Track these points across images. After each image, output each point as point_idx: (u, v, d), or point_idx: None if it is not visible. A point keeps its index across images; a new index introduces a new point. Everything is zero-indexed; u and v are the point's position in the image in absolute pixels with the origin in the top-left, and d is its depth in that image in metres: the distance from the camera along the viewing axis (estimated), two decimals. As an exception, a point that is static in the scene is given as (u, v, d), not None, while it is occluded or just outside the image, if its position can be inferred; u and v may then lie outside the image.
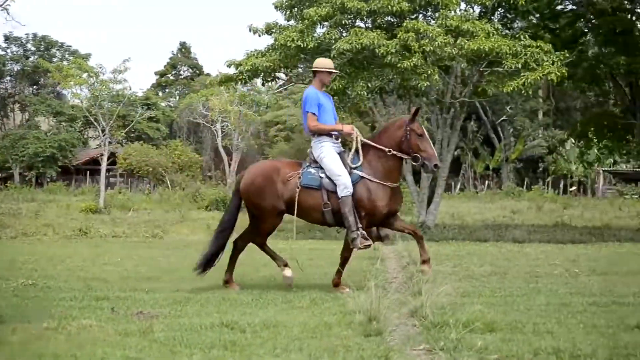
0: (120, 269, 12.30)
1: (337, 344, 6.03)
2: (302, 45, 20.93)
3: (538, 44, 20.42)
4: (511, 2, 22.30)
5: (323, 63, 10.10)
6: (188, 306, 8.11)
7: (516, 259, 14.01)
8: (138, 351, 5.93)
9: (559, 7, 26.88)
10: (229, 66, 23.21)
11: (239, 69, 22.63)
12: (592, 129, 28.13)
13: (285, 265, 9.88)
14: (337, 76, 21.44)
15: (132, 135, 59.60)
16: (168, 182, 45.43)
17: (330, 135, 9.71)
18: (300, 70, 27.41)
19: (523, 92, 20.42)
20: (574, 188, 57.68)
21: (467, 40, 19.83)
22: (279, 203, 9.63)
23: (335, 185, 9.43)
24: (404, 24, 20.31)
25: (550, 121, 56.34)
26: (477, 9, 23.06)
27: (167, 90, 79.69)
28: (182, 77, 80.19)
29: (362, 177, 9.48)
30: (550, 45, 20.95)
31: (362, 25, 21.89)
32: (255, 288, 9.59)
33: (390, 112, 42.35)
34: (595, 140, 29.46)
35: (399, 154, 9.64)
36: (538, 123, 58.00)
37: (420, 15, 22.38)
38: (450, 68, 22.16)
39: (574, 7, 26.86)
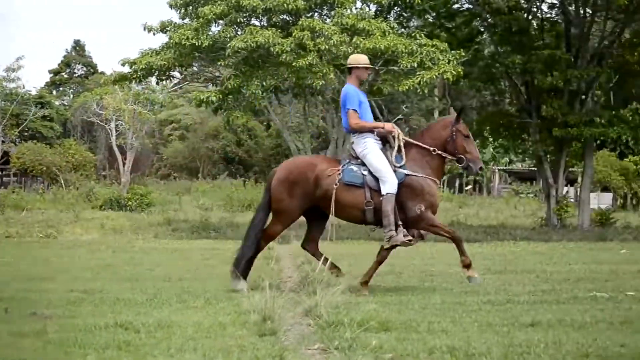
0: (14, 269, 12.07)
1: (231, 344, 5.99)
2: (196, 44, 20.87)
3: (434, 43, 20.80)
4: (407, 1, 22.72)
5: (359, 59, 10.03)
6: (82, 307, 7.97)
7: (412, 257, 14.19)
8: (32, 352, 5.81)
9: (455, 6, 27.42)
10: (123, 65, 23.01)
11: (133, 67, 22.44)
12: (487, 127, 28.70)
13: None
14: (231, 75, 21.41)
15: (26, 134, 58.12)
16: (62, 182, 44.48)
17: (372, 133, 9.66)
18: (195, 68, 27.27)
19: (419, 91, 20.78)
20: (469, 187, 58.94)
21: (363, 38, 20.05)
22: (307, 203, 9.57)
23: (378, 182, 9.38)
24: (300, 23, 20.42)
25: (446, 120, 57.45)
26: (373, 8, 23.36)
27: (61, 88, 78.24)
28: (76, 75, 78.93)
29: (407, 175, 9.44)
30: (446, 44, 21.38)
31: (257, 23, 21.93)
32: (149, 288, 9.47)
33: (286, 111, 42.50)
34: (491, 139, 30.13)
35: (444, 154, 9.70)
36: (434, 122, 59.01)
37: (316, 14, 22.54)
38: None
39: (470, 6, 27.45)
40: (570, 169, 31.68)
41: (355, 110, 9.61)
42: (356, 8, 22.41)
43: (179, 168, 56.85)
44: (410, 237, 9.37)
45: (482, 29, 28.29)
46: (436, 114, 58.62)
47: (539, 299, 8.60)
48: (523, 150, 29.81)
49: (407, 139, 9.72)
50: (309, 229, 10.00)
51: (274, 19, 21.75)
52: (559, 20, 28.62)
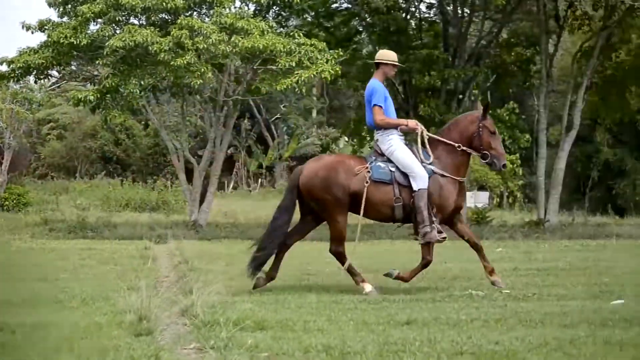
0: None
1: (107, 344, 5.98)
2: (75, 42, 20.59)
3: (312, 42, 21.04)
4: (286, 0, 22.87)
5: (389, 55, 10.00)
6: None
7: (288, 257, 14.35)
8: None
9: (334, 5, 27.80)
10: (0, 64, 22.48)
11: (11, 66, 22.00)
12: (365, 127, 29.20)
13: (363, 281, 9.60)
14: (109, 73, 21.20)
15: None
16: (-63, 181, 42.86)
17: (396, 129, 9.70)
18: (73, 67, 26.79)
19: (297, 90, 21.00)
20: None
21: (242, 38, 20.12)
22: (344, 196, 9.46)
23: (407, 178, 9.43)
24: (178, 22, 20.37)
25: (324, 119, 57.86)
26: (252, 7, 23.43)
27: (-63, 87, 74.89)
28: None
29: (434, 173, 9.51)
30: (325, 43, 21.66)
31: (136, 22, 21.73)
32: (26, 288, 9.33)
33: (164, 110, 42.09)
34: (369, 139, 30.65)
35: (469, 150, 9.80)
36: (312, 121, 59.38)
37: (195, 13, 22.50)
38: (224, 66, 22.37)
39: (349, 6, 27.88)
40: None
41: (381, 107, 9.66)
42: (235, 7, 22.46)
43: (57, 167, 55.45)
44: (444, 235, 9.53)
45: (360, 29, 28.76)
46: (314, 114, 59.08)
47: (414, 297, 8.76)
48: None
49: (432, 135, 9.86)
50: (299, 224, 10.01)
51: (152, 18, 21.61)
52: (437, 20, 29.44)
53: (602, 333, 6.33)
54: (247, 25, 20.45)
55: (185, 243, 16.17)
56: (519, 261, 13.65)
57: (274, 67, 21.03)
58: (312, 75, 20.51)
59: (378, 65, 9.90)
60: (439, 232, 9.41)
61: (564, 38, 31.95)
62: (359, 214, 9.63)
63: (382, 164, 9.53)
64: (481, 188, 49.51)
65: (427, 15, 30.21)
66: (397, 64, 10.00)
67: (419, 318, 7.16)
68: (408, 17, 28.47)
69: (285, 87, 20.37)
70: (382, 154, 9.64)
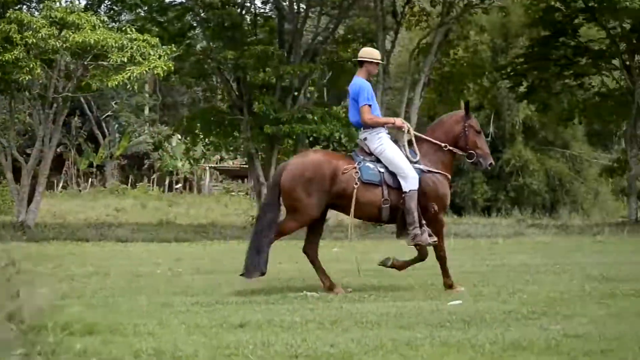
0: None
1: None
2: None
3: (145, 38, 20.80)
4: (117, -6, 22.58)
5: (373, 53, 9.93)
6: None
7: (119, 258, 14.18)
8: None
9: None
10: None
11: None
12: (198, 124, 29.08)
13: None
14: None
15: None
16: None
17: (384, 127, 9.62)
18: None
19: (128, 86, 20.70)
20: (179, 185, 59.13)
21: (72, 32, 19.71)
22: (323, 200, 9.32)
23: (395, 180, 9.37)
24: (7, 15, 19.78)
25: (157, 117, 57.26)
26: (83, 1, 23.05)
27: None
28: None
29: (424, 172, 9.49)
30: (158, 39, 21.45)
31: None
32: None
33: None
34: (202, 136, 30.57)
35: (455, 150, 9.79)
36: (144, 119, 58.62)
37: (24, 6, 21.89)
38: (54, 61, 21.81)
39: (183, 0, 27.68)
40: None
41: (370, 105, 9.57)
42: (66, 1, 22.00)
43: None
44: (435, 238, 9.44)
45: (194, 24, 28.62)
46: (146, 111, 58.34)
47: (248, 300, 8.73)
48: (235, 148, 30.52)
49: (418, 134, 9.83)
50: (309, 231, 9.80)
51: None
52: (273, 16, 29.65)
53: (439, 334, 6.44)
54: (78, 19, 20.04)
55: (12, 245, 15.73)
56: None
57: (105, 63, 20.67)
58: (145, 72, 20.29)
59: (362, 63, 9.87)
60: (430, 235, 9.40)
61: (402, 34, 32.86)
62: (343, 212, 9.66)
63: (371, 165, 9.50)
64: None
65: (262, 10, 30.45)
66: (380, 61, 10.06)
67: (253, 320, 7.13)
68: (243, 12, 28.54)
69: (116, 83, 20.07)
70: (370, 154, 9.61)
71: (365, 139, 9.68)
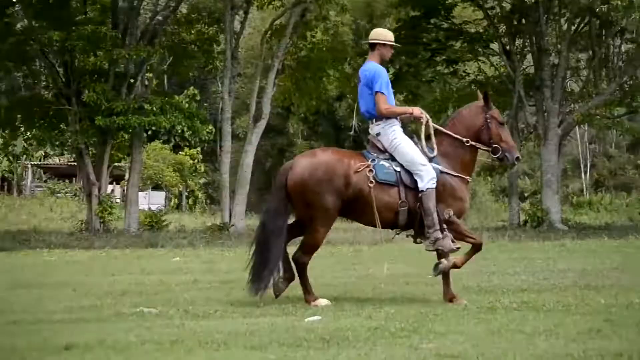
0: None
1: None
2: None
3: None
4: None
5: (387, 35, 9.84)
6: None
7: None
8: None
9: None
10: None
11: None
12: (19, 116, 28.32)
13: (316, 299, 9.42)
14: None
15: None
16: None
17: (397, 119, 9.61)
18: None
19: None
20: (-6, 185, 57.57)
21: None
22: (339, 202, 9.29)
23: (413, 179, 9.37)
24: None
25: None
26: None
27: None
28: None
29: (441, 172, 9.47)
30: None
31: None
32: None
33: None
34: (23, 130, 29.77)
35: (478, 145, 9.80)
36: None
37: None
38: None
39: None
40: (116, 164, 32.26)
41: (385, 94, 9.52)
42: None
43: None
44: (458, 245, 9.45)
45: (14, 0, 27.85)
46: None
47: (76, 317, 8.58)
48: (61, 143, 29.86)
49: (438, 127, 9.82)
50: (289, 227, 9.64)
51: None
52: (105, -8, 29.14)
53: (294, 354, 6.44)
54: None
55: None
56: (199, 272, 13.78)
57: None
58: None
59: (373, 46, 9.83)
60: (453, 241, 9.43)
61: (253, 14, 32.85)
62: (355, 217, 9.75)
63: (385, 163, 9.48)
64: (156, 187, 49.62)
65: (93, -16, 29.86)
66: (394, 44, 9.94)
67: (81, 342, 6.99)
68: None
69: None
70: (383, 151, 9.61)
71: (378, 134, 9.72)
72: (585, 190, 55.98)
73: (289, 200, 9.48)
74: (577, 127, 40.06)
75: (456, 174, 9.65)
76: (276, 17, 29.15)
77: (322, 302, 9.39)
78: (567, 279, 12.02)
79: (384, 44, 9.83)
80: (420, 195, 9.36)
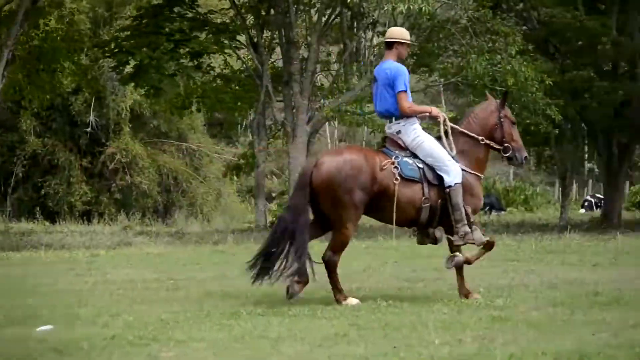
0: None
1: None
2: None
3: None
4: None
5: (402, 34, 10.51)
6: None
7: None
8: None
9: None
10: None
11: None
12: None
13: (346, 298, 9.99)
14: None
15: None
16: None
17: (417, 118, 10.27)
18: None
19: None
20: None
21: None
22: (366, 199, 9.84)
23: (435, 175, 10.03)
24: None
25: None
26: None
27: None
28: None
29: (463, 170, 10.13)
30: None
31: None
32: None
33: None
34: None
35: (491, 144, 10.54)
36: None
37: None
38: None
39: None
40: None
41: (407, 92, 10.15)
42: None
43: None
44: (488, 238, 10.31)
45: None
46: None
47: None
48: None
49: (455, 126, 10.47)
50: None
51: None
52: None
53: None
54: None
55: None
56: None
57: None
58: None
59: (391, 44, 10.42)
60: (484, 234, 10.24)
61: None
62: (377, 216, 10.37)
63: (409, 160, 10.09)
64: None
65: None
66: (412, 42, 10.86)
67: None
68: None
69: None
70: (404, 148, 10.22)
71: (399, 132, 10.30)
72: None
73: (312, 198, 10.02)
74: (327, 123, 41.03)
75: (472, 172, 10.39)
76: (4, 1, 28.19)
77: (353, 301, 9.97)
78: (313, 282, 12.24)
79: (402, 43, 10.47)
80: (448, 190, 10.04)
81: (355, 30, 32.14)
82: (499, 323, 8.18)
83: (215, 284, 12.20)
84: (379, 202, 10.02)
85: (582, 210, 47.63)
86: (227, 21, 31.90)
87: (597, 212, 37.86)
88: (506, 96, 11.21)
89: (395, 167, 10.00)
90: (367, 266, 14.97)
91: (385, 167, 9.97)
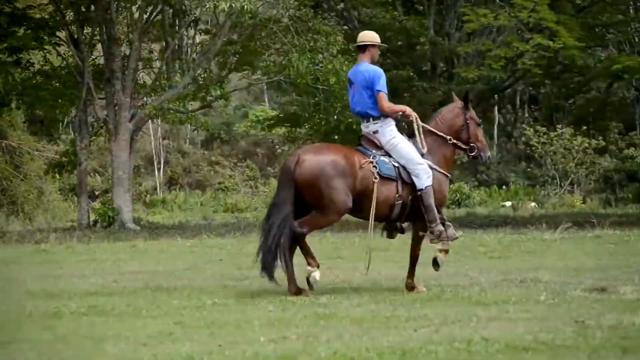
0: None
1: None
2: None
3: None
4: None
5: (375, 37, 11.00)
6: None
7: None
8: None
9: None
10: None
11: None
12: None
13: (317, 266, 10.41)
14: None
15: None
16: None
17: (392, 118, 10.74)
18: None
19: None
20: None
21: None
22: (349, 197, 10.25)
23: (408, 175, 10.48)
24: None
25: None
26: None
27: None
28: None
29: (430, 167, 10.58)
30: None
31: None
32: None
33: None
34: None
35: (458, 143, 11.04)
36: None
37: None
38: None
39: None
40: None
41: (386, 93, 10.61)
42: None
43: None
44: (461, 233, 11.28)
45: None
46: None
47: None
48: None
49: (426, 126, 10.89)
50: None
51: None
52: None
53: None
54: None
55: None
56: None
57: None
58: None
59: (364, 47, 10.91)
60: (455, 229, 10.80)
61: None
62: (356, 212, 10.62)
63: (385, 159, 10.53)
64: None
65: None
66: (382, 45, 11.20)
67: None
68: None
69: None
70: (380, 147, 10.65)
71: (375, 132, 10.72)
72: (159, 188, 56.80)
73: (297, 193, 10.32)
74: (150, 121, 40.66)
75: (440, 170, 10.81)
76: None
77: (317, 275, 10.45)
78: (138, 281, 12.27)
79: (374, 45, 10.98)
80: (419, 193, 10.49)
81: (177, 27, 31.92)
82: (324, 320, 8.29)
83: (37, 283, 11.91)
84: (359, 200, 10.42)
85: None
86: (47, 17, 31.15)
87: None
88: (468, 97, 11.54)
89: (374, 166, 10.44)
90: (192, 264, 14.95)
91: (364, 166, 10.40)
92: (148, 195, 53.01)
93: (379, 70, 10.85)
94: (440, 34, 31.09)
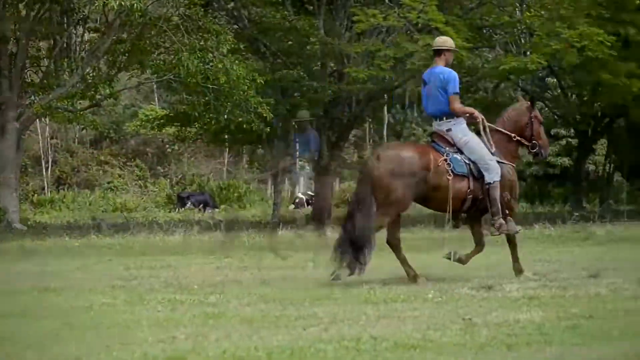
0: None
1: None
2: None
3: None
4: None
5: (450, 42, 11.90)
6: None
7: None
8: None
9: None
10: None
11: None
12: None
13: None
14: None
15: None
16: None
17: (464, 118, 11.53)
18: None
19: None
20: None
21: None
22: (415, 194, 11.12)
23: (479, 171, 11.27)
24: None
25: None
26: None
27: None
28: None
29: (500, 162, 11.39)
30: None
31: None
32: None
33: None
34: None
35: (522, 140, 11.93)
36: None
37: None
38: None
39: None
40: None
41: (459, 94, 11.42)
42: None
43: None
44: (520, 228, 11.88)
45: None
46: None
47: None
48: None
49: (492, 125, 11.71)
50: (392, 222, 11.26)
51: None
52: None
53: None
54: None
55: None
56: None
57: None
58: None
59: (440, 52, 11.70)
60: (515, 224, 11.50)
61: None
62: (428, 204, 11.61)
63: (458, 157, 11.28)
64: None
65: None
66: (456, 50, 12.27)
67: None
68: None
69: None
70: (452, 144, 11.42)
71: (449, 130, 11.51)
72: (47, 187, 55.81)
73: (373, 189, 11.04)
74: (37, 120, 39.91)
75: (509, 163, 11.68)
76: None
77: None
78: (25, 281, 11.99)
79: (449, 50, 11.79)
80: (487, 187, 11.30)
81: (65, 25, 31.42)
82: (213, 319, 8.28)
83: None
84: (433, 195, 11.27)
85: (292, 207, 48.59)
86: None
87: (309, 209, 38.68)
88: (534, 100, 12.77)
89: (448, 164, 11.23)
90: (82, 264, 14.79)
91: (440, 165, 11.16)
92: (35, 195, 52.04)
93: (454, 73, 11.70)
94: (330, 34, 31.16)
